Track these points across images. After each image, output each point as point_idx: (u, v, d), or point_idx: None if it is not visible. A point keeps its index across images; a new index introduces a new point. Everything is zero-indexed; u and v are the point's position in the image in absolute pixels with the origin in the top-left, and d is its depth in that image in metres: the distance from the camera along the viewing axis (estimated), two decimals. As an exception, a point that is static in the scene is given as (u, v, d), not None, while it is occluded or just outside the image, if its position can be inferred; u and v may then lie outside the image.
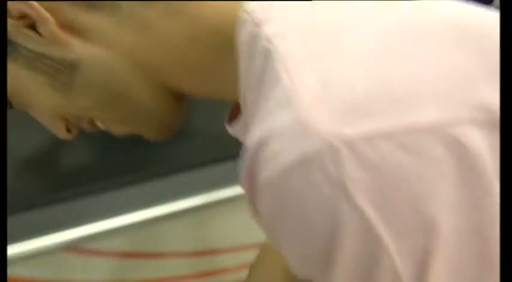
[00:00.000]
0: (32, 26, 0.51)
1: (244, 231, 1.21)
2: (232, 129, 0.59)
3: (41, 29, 0.51)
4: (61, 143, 1.06)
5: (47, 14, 0.50)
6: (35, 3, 0.50)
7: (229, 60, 0.51)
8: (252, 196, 0.46)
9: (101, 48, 0.52)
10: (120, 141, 0.67)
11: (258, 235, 0.56)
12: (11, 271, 1.13)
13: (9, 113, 0.55)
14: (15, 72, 0.54)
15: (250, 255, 0.83)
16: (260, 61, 0.47)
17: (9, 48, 0.52)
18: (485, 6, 0.52)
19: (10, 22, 0.51)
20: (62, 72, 0.53)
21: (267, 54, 0.46)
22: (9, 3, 0.50)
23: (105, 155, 1.34)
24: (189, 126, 1.28)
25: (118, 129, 0.60)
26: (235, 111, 0.58)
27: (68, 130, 0.60)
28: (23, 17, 0.51)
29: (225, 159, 1.24)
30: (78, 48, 0.52)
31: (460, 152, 0.39)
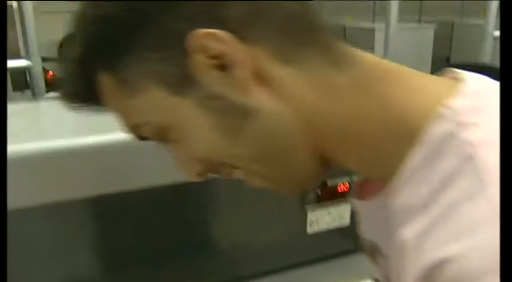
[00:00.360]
0: (221, 66, 0.51)
1: None
2: (360, 204, 0.58)
3: (235, 72, 0.50)
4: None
5: (247, 59, 0.50)
6: (241, 47, 0.50)
7: (400, 143, 0.50)
8: None
9: (282, 102, 0.52)
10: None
11: None
12: None
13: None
14: (185, 107, 0.53)
15: None
16: (453, 162, 0.46)
17: (188, 84, 0.52)
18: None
19: (201, 60, 0.50)
20: (234, 116, 0.52)
21: (467, 159, 0.45)
22: (208, 41, 0.49)
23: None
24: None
25: (258, 182, 0.59)
26: (365, 186, 0.58)
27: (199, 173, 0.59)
28: (218, 57, 0.50)
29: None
30: (260, 97, 0.51)
31: None
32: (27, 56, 3.01)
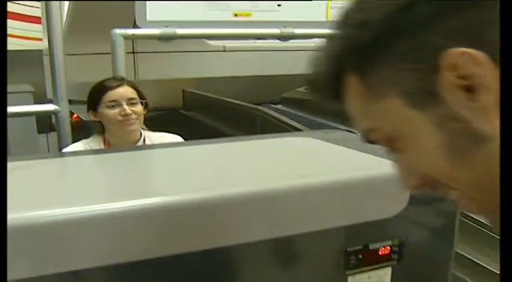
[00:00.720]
0: (467, 88, 0.50)
1: None
2: None
3: (481, 96, 0.49)
4: None
5: (496, 84, 0.49)
6: (493, 71, 0.49)
7: None
8: None
9: None
10: None
11: None
12: None
13: None
14: (421, 121, 0.53)
15: None
16: None
17: (431, 100, 0.52)
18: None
19: (450, 78, 0.50)
20: (466, 140, 0.52)
21: None
22: (462, 61, 0.49)
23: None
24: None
25: (469, 206, 0.59)
26: None
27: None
28: (467, 78, 0.50)
29: None
30: (496, 125, 0.50)
31: None
32: (56, 100, 3.08)
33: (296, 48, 5.78)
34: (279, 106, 4.71)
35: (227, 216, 0.98)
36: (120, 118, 1.96)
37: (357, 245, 1.11)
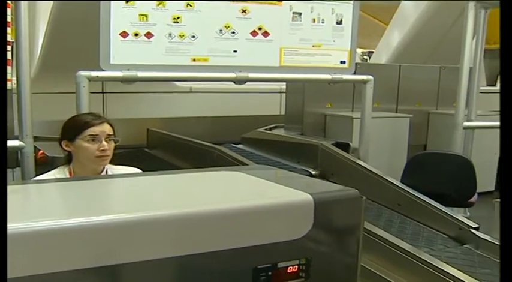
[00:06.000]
0: None
1: None
2: None
3: None
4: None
5: None
6: None
7: None
8: None
9: None
10: None
11: None
12: None
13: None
14: None
15: None
16: None
17: None
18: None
19: None
20: None
21: None
22: None
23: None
24: None
25: None
26: None
27: None
28: None
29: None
30: None
31: None
32: (21, 136, 3.22)
33: (259, 90, 6.02)
34: (240, 146, 4.89)
35: (137, 235, 1.12)
36: (97, 153, 2.08)
37: (267, 263, 1.27)
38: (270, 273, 1.28)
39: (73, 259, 1.06)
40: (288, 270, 1.31)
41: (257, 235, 1.25)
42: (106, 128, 2.14)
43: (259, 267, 1.25)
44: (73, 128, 2.14)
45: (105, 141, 2.11)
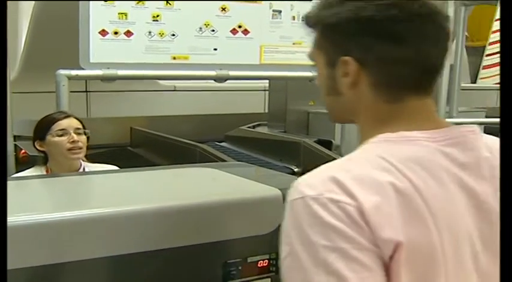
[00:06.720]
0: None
1: None
2: None
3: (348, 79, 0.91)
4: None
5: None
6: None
7: None
8: None
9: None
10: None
11: None
12: None
13: None
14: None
15: None
16: None
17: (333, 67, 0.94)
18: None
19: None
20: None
21: None
22: None
23: None
24: None
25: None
26: None
27: None
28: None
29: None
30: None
31: None
32: (1, 136, 3.20)
33: (244, 89, 6.02)
34: (223, 144, 4.90)
35: (105, 230, 1.14)
36: (68, 145, 2.14)
37: (237, 258, 1.29)
38: (240, 267, 1.30)
39: (36, 255, 1.07)
40: (258, 265, 1.33)
41: (226, 230, 1.27)
42: (73, 122, 2.21)
43: (229, 261, 1.27)
44: (42, 127, 2.20)
45: (75, 133, 2.16)
